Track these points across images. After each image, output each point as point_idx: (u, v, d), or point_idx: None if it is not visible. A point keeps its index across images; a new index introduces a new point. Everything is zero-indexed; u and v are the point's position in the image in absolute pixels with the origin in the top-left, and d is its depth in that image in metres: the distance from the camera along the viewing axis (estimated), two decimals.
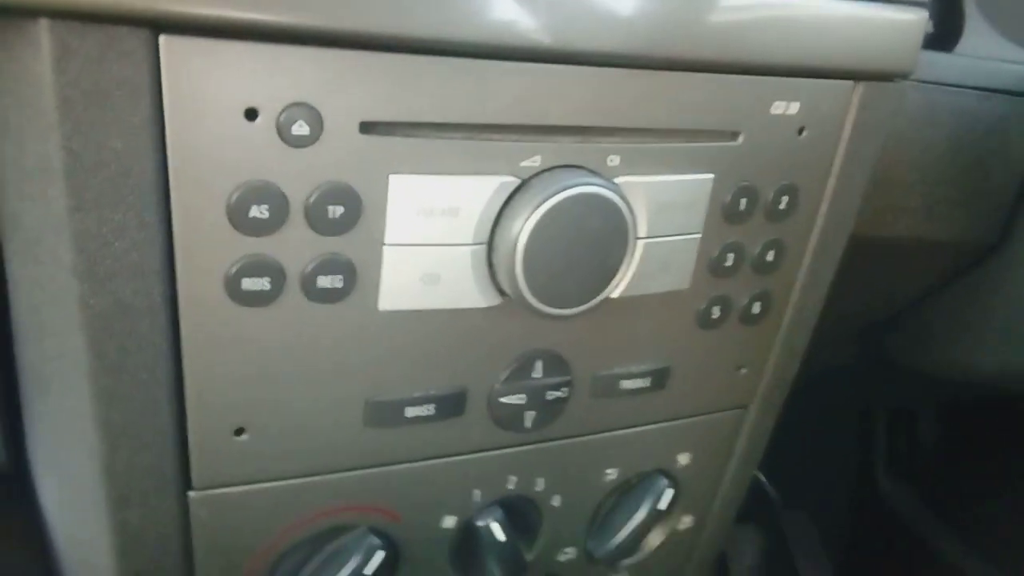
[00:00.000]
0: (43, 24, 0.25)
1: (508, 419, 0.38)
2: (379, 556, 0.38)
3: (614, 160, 0.35)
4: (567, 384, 0.39)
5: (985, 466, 0.95)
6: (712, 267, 0.39)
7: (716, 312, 0.41)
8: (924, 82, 0.48)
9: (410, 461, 0.38)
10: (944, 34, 0.57)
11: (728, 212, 0.38)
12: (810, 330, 0.46)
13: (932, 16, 0.59)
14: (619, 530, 0.45)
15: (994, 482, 0.93)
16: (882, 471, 1.04)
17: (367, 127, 0.30)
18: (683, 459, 0.46)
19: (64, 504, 0.38)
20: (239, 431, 0.33)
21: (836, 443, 1.09)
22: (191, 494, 0.34)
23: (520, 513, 0.43)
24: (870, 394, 0.98)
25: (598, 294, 0.36)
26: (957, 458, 1.00)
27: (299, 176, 0.30)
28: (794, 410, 0.50)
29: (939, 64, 0.49)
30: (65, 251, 0.28)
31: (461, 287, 0.34)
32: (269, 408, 0.33)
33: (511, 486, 0.41)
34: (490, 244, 0.34)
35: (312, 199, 0.30)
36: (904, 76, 0.40)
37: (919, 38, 0.39)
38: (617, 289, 0.37)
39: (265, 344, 0.32)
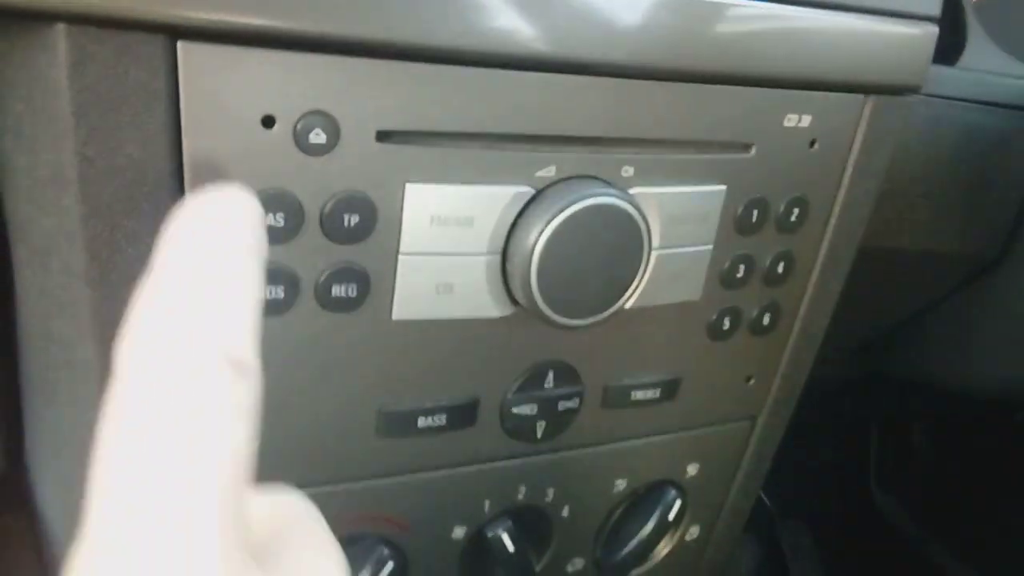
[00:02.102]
0: (60, 29, 0.25)
1: (519, 429, 0.38)
2: (389, 566, 0.38)
3: (628, 171, 0.35)
4: (578, 395, 0.39)
5: (978, 478, 0.95)
6: (723, 278, 0.39)
7: (726, 323, 0.41)
8: (930, 96, 0.48)
9: (421, 471, 0.37)
10: (946, 48, 0.57)
11: (740, 223, 0.38)
12: (819, 341, 0.46)
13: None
14: (628, 540, 0.45)
15: (986, 494, 0.94)
16: (875, 482, 1.04)
17: (384, 136, 0.30)
18: (692, 470, 0.46)
19: (67, 509, 0.37)
20: None
21: (831, 453, 1.09)
22: None
23: (530, 523, 0.42)
24: (865, 405, 0.99)
25: (612, 305, 0.36)
26: (950, 469, 1.00)
27: (315, 184, 0.29)
28: (789, 420, 0.50)
29: (944, 78, 0.49)
30: (77, 259, 0.28)
31: (475, 297, 0.34)
32: (281, 417, 0.33)
33: (521, 496, 0.41)
34: (504, 254, 0.33)
35: (328, 207, 0.30)
36: (914, 90, 0.40)
37: (929, 53, 0.39)
38: (630, 300, 0.36)
39: (278, 353, 0.32)
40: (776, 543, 1.05)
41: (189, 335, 0.18)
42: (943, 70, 0.52)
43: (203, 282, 0.19)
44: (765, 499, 1.07)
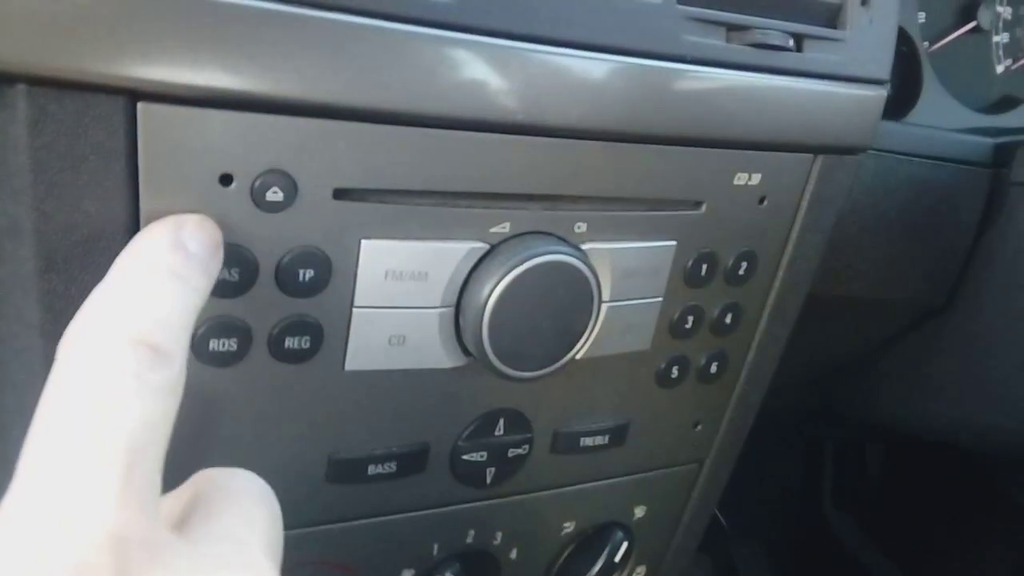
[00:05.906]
0: (20, 89, 0.25)
1: (469, 475, 0.39)
2: None
3: (581, 227, 0.36)
4: (528, 441, 0.40)
5: (930, 499, 0.97)
6: (672, 329, 0.40)
7: (675, 372, 0.42)
8: (880, 151, 0.50)
9: (370, 516, 0.38)
10: (900, 98, 0.59)
11: (689, 277, 0.39)
12: (765, 387, 0.47)
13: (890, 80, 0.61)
14: None
15: (939, 515, 0.96)
16: (829, 503, 1.06)
17: (340, 193, 0.30)
18: (639, 512, 0.47)
19: None
20: None
21: (786, 473, 1.10)
22: None
23: (478, 566, 0.43)
24: (820, 430, 1.00)
25: (562, 357, 0.36)
26: (903, 491, 1.02)
27: (271, 240, 0.30)
28: (736, 460, 0.51)
29: (894, 133, 0.51)
30: (32, 311, 0.28)
31: (427, 348, 0.34)
32: (231, 465, 0.33)
33: (469, 540, 0.42)
34: (457, 307, 0.34)
35: (283, 262, 0.30)
36: (862, 150, 0.42)
37: (878, 115, 0.41)
38: (581, 351, 0.37)
39: (229, 403, 0.32)
40: (731, 564, 1.06)
41: (112, 325, 0.23)
42: (893, 126, 0.53)
43: (139, 284, 0.24)
44: (721, 519, 1.09)
